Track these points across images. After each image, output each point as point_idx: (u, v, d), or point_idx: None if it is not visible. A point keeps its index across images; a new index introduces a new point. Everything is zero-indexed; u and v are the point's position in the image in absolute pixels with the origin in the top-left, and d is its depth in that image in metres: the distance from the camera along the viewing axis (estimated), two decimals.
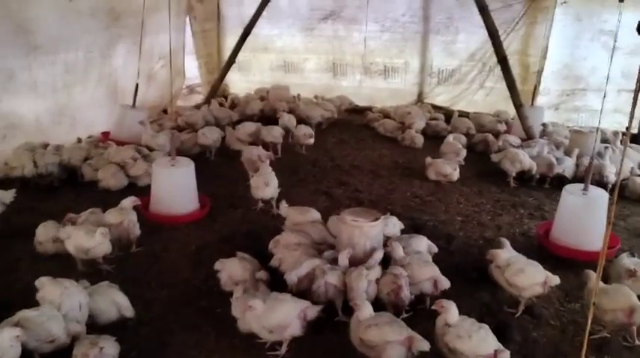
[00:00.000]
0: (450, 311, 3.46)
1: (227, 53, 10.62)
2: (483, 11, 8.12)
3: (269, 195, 5.92)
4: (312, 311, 3.71)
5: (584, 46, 9.81)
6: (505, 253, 4.38)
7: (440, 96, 11.02)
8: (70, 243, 4.56)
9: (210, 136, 7.67)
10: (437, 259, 4.61)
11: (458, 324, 3.41)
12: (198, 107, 9.59)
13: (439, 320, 3.49)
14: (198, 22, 10.77)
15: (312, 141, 8.09)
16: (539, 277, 4.16)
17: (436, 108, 10.69)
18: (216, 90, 9.92)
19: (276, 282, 4.26)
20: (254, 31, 9.80)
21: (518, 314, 4.22)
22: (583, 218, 5.18)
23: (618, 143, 8.22)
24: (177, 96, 10.50)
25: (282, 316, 3.60)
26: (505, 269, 4.24)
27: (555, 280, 4.21)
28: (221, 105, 9.91)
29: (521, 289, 4.15)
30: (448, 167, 7.08)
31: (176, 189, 5.79)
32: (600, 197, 5.20)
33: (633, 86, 8.67)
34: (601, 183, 6.46)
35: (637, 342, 3.87)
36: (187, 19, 10.49)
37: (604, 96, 5.90)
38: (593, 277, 3.61)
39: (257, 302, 3.61)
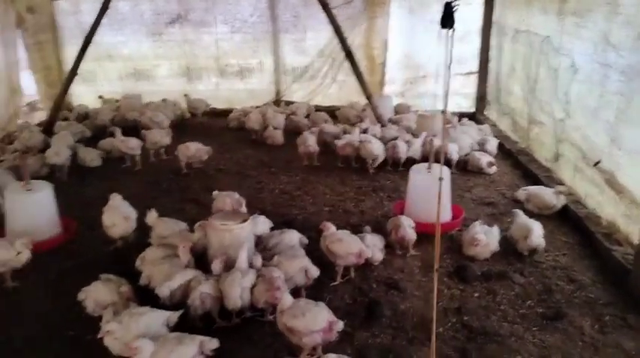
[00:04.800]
0: (283, 300, 3.67)
1: (68, 65, 9.93)
2: (326, 8, 8.49)
3: (119, 233, 5.27)
4: (212, 344, 3.49)
5: (419, 36, 10.66)
6: (332, 228, 4.70)
7: (297, 93, 11.30)
8: None
9: (62, 155, 7.17)
10: (309, 250, 4.79)
11: (293, 305, 3.63)
12: (41, 125, 8.90)
13: (278, 308, 3.68)
14: (30, 35, 9.92)
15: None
16: (354, 247, 4.53)
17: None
18: (60, 105, 9.22)
19: (150, 299, 4.12)
20: (96, 39, 9.28)
21: (336, 283, 4.57)
22: (429, 194, 5.64)
23: (457, 123, 9.03)
24: (17, 115, 9.60)
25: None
26: (327, 237, 4.61)
27: (366, 253, 4.60)
28: (65, 119, 9.31)
29: (337, 256, 4.52)
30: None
31: (35, 215, 5.37)
32: (443, 173, 5.70)
33: (466, 70, 9.67)
34: (447, 160, 7.11)
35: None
36: (19, 32, 9.64)
37: (447, 81, 6.41)
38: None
39: (145, 342, 3.32)
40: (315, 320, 3.55)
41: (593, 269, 4.80)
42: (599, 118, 5.66)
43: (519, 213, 5.36)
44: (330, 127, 8.62)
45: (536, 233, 4.98)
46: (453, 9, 2.01)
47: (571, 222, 5.72)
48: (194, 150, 7.43)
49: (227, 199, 5.39)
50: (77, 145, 7.80)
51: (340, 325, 3.62)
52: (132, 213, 5.34)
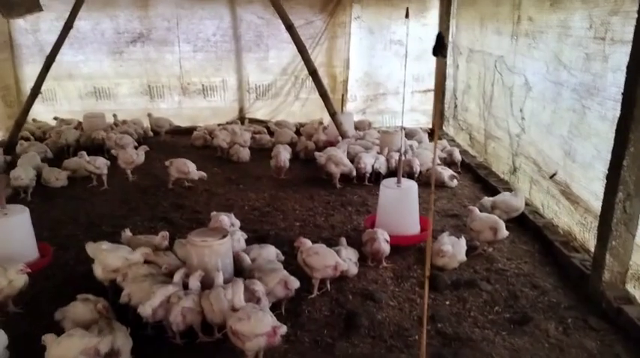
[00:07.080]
0: (237, 295, 3.80)
1: (27, 84, 9.81)
2: (290, 29, 8.70)
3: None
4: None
5: (378, 55, 11.06)
6: (308, 242, 4.85)
7: (260, 111, 11.45)
8: None
9: (25, 176, 7.02)
10: (284, 265, 4.88)
11: (241, 309, 3.74)
12: (1, 145, 8.70)
13: (229, 306, 3.81)
14: None
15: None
16: (330, 260, 4.67)
17: (259, 121, 11.17)
18: (22, 125, 9.07)
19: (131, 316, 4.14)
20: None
21: (313, 296, 4.70)
22: (400, 207, 5.87)
23: (425, 139, 9.41)
24: None
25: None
26: (304, 251, 4.75)
27: (343, 266, 4.72)
28: (26, 139, 9.12)
29: (314, 270, 4.66)
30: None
31: (12, 240, 5.18)
32: (411, 187, 5.94)
33: (424, 87, 10.02)
34: (410, 174, 7.38)
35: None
36: None
37: (403, 99, 6.72)
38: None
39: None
40: (260, 324, 3.63)
41: (554, 275, 5.10)
42: (553, 133, 6.05)
43: (476, 209, 5.73)
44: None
45: (503, 225, 5.44)
46: (444, 39, 2.20)
47: (530, 231, 6.04)
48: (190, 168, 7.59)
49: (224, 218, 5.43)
50: (42, 165, 7.67)
51: (284, 329, 3.71)
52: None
